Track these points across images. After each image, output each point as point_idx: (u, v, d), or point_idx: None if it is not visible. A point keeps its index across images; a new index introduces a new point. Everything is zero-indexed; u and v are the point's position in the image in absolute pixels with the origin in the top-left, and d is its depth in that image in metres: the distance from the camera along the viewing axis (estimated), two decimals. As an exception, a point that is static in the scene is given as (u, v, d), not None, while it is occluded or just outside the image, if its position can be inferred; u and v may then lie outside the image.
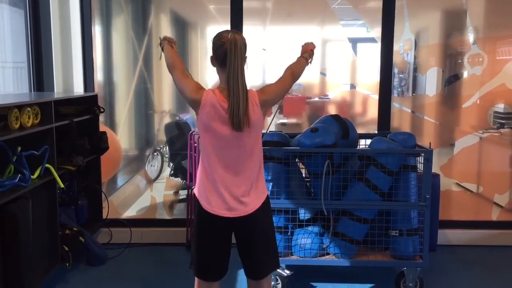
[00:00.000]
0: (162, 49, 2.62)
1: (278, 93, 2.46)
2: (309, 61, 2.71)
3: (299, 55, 2.73)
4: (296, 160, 3.48)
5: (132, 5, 4.81)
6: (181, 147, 4.76)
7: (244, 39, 2.31)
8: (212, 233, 2.39)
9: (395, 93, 4.62)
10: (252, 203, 2.35)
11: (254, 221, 2.36)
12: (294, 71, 2.57)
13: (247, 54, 2.33)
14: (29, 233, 2.84)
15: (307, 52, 2.72)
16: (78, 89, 4.27)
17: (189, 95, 2.35)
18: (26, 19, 3.94)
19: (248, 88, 2.30)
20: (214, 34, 2.34)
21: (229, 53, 2.24)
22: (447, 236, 4.24)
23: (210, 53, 2.36)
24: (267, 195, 2.45)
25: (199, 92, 2.32)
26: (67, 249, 3.40)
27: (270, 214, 2.50)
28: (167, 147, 4.93)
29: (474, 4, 4.49)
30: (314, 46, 2.77)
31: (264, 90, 2.39)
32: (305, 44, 2.78)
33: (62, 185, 3.23)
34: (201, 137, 2.37)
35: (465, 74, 4.51)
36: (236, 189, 2.33)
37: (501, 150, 4.53)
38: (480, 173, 4.62)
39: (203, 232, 2.41)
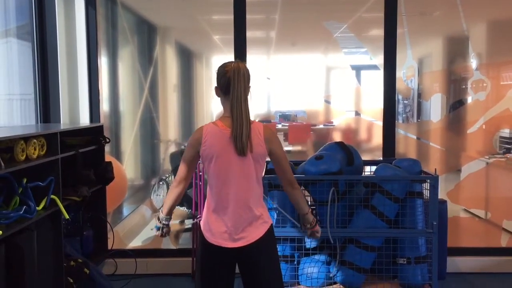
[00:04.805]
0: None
1: (279, 150, 2.39)
2: (308, 218, 2.52)
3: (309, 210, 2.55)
4: (302, 188, 3.46)
5: (138, 37, 4.90)
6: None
7: (247, 69, 2.34)
8: (215, 264, 2.37)
9: (400, 120, 4.63)
10: (255, 233, 2.33)
11: (257, 250, 2.34)
12: (289, 177, 2.46)
13: (250, 84, 2.35)
14: (34, 265, 2.82)
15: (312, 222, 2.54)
16: (84, 119, 4.31)
17: (195, 143, 2.34)
18: (33, 52, 4.01)
19: (252, 119, 2.33)
20: (219, 65, 2.37)
21: (232, 80, 2.27)
22: (456, 263, 4.17)
23: (215, 82, 2.39)
24: (271, 224, 2.43)
25: (197, 133, 2.35)
26: (72, 281, 3.36)
27: (275, 243, 2.47)
28: (173, 176, 4.93)
29: (476, 30, 4.53)
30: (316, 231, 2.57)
31: (274, 132, 2.43)
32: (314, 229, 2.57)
33: (67, 216, 3.22)
34: (206, 168, 2.37)
35: (469, 100, 4.52)
36: (238, 219, 2.32)
37: (508, 175, 4.50)
38: (487, 198, 4.57)
39: (206, 263, 2.39)
